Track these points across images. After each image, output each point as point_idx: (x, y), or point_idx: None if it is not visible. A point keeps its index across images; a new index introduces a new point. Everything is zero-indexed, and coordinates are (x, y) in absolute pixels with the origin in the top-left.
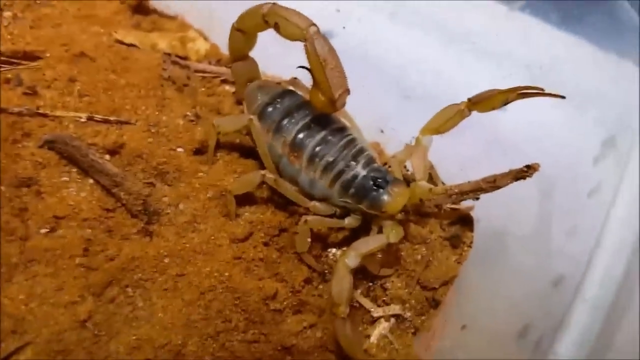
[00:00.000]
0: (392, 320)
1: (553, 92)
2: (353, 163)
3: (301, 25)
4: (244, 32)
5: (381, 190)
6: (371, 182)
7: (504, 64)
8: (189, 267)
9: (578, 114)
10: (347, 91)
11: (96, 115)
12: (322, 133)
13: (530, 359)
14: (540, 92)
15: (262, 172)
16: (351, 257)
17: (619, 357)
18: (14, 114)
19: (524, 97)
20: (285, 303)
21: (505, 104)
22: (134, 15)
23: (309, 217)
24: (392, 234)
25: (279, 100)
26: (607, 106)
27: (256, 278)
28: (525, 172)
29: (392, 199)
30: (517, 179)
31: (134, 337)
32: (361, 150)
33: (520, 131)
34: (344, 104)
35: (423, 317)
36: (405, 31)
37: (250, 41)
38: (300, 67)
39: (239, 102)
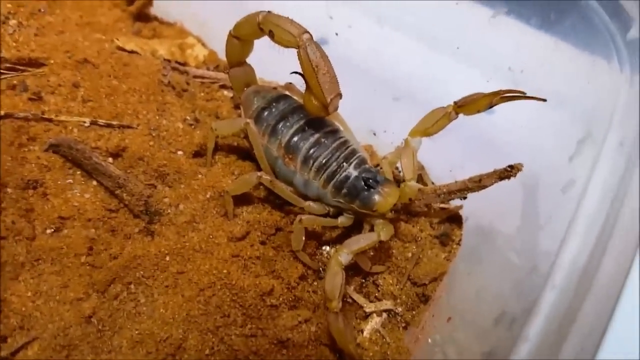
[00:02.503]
0: (384, 315)
1: (534, 96)
2: (345, 164)
3: (294, 33)
4: (240, 39)
5: (372, 190)
6: (363, 183)
7: (487, 66)
8: (188, 264)
9: (556, 114)
10: (339, 95)
11: (99, 120)
12: (316, 136)
13: (504, 343)
14: (522, 96)
15: (259, 173)
16: (343, 255)
17: (579, 338)
18: (20, 118)
19: (507, 101)
20: (281, 299)
21: (490, 107)
22: (135, 22)
23: (304, 217)
24: (383, 232)
25: (274, 104)
26: (583, 106)
27: (253, 275)
28: (509, 171)
29: (383, 198)
30: (501, 178)
31: (136, 332)
32: (353, 152)
33: (505, 133)
34: (336, 108)
35: (413, 312)
36: (393, 36)
37: (247, 48)
38: (294, 72)
39: (237, 107)
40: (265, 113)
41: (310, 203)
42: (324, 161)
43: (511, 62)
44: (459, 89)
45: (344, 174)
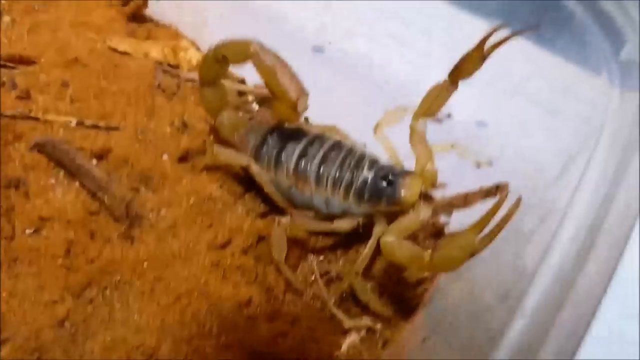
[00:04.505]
0: (363, 331)
1: (524, 29)
2: (358, 170)
3: (244, 46)
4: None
5: (394, 184)
6: (382, 181)
7: (487, 71)
8: (167, 271)
9: (550, 122)
10: (305, 94)
11: (86, 120)
12: (321, 153)
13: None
14: (512, 34)
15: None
16: (391, 236)
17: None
18: (7, 116)
19: (498, 47)
20: (258, 310)
21: (484, 59)
22: (130, 23)
23: (283, 219)
24: (422, 211)
25: (268, 137)
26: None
27: (232, 285)
28: (495, 192)
29: (408, 189)
30: (487, 197)
31: (108, 338)
32: (362, 156)
33: (498, 142)
34: (306, 108)
35: (393, 329)
36: (389, 41)
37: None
38: (258, 85)
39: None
40: (264, 149)
41: (339, 221)
42: (336, 174)
43: (505, 71)
44: (455, 95)
45: (361, 179)
